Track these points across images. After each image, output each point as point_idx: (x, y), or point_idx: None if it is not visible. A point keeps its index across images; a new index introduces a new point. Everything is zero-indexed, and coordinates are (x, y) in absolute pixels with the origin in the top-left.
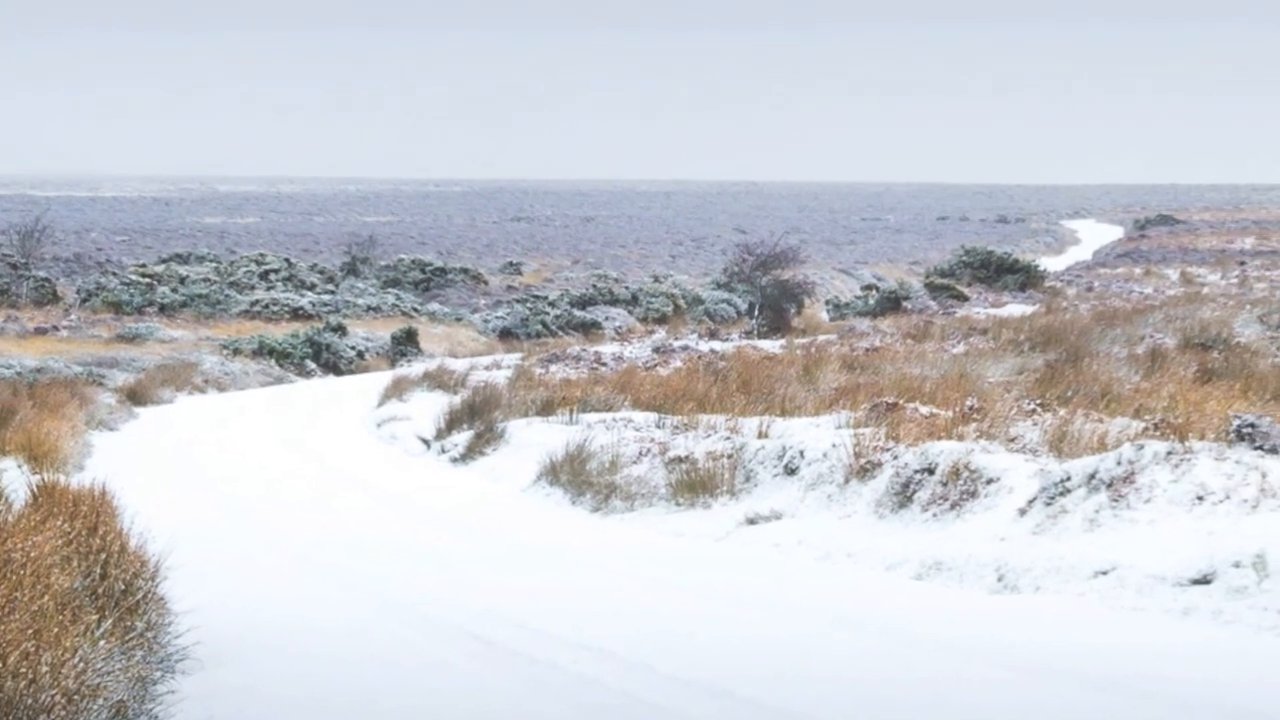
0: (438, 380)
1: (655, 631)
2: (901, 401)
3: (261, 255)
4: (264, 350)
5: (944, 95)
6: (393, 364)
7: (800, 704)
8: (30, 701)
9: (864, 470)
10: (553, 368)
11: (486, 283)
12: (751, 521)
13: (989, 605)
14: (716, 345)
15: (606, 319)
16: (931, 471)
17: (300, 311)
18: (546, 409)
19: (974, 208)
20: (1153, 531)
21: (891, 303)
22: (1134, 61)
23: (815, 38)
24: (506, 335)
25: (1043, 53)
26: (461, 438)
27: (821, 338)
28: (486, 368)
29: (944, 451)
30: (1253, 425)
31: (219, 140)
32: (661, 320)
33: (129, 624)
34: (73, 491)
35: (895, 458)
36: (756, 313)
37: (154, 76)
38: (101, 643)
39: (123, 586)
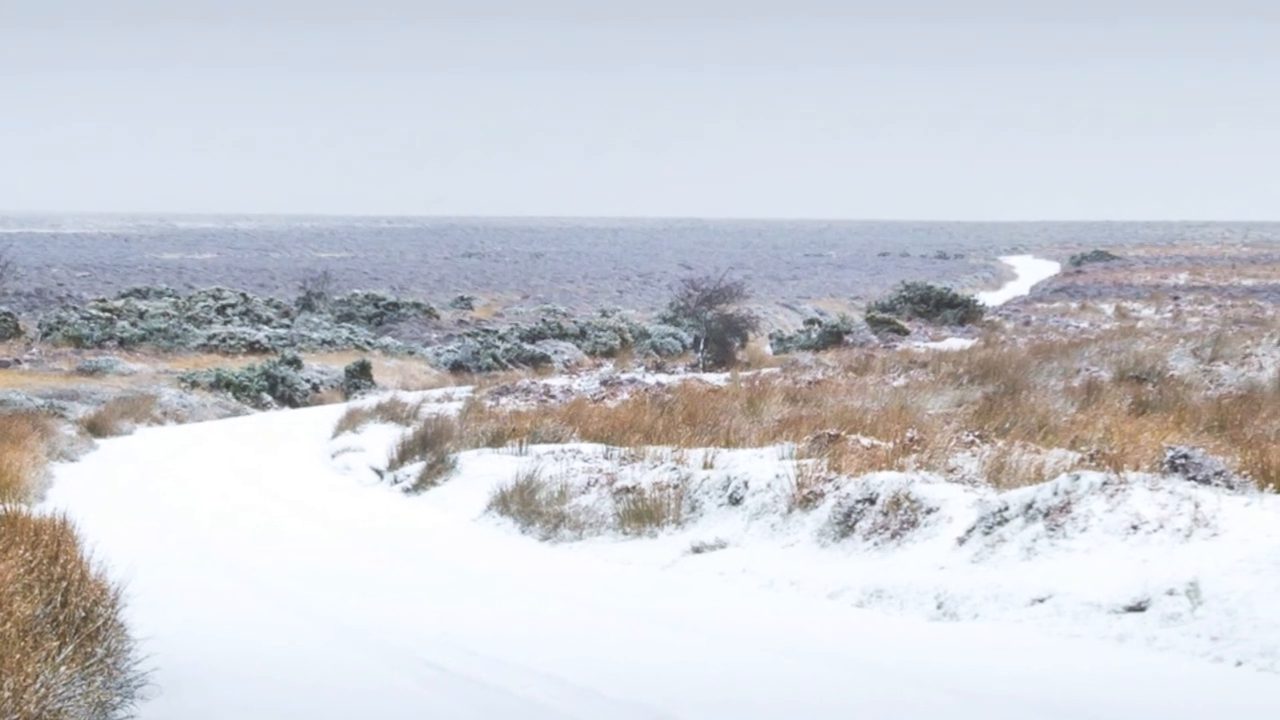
0: (391, 412)
1: (603, 658)
2: (843, 433)
3: (219, 290)
4: (221, 383)
5: (884, 134)
6: (347, 396)
7: None
8: None
9: (807, 500)
10: (503, 400)
11: (438, 317)
12: (697, 550)
13: (929, 632)
14: (663, 378)
15: (555, 353)
16: (873, 501)
17: (256, 345)
18: (497, 440)
19: (914, 244)
20: (1089, 560)
21: (833, 337)
22: (1069, 101)
23: (758, 78)
24: (458, 368)
25: (980, 93)
26: (414, 468)
27: (765, 371)
28: (438, 400)
29: (885, 482)
30: (1186, 456)
31: (177, 178)
32: (609, 354)
33: (89, 650)
34: (34, 521)
35: (837, 488)
36: (702, 346)
37: (113, 116)
38: (63, 669)
39: (83, 614)
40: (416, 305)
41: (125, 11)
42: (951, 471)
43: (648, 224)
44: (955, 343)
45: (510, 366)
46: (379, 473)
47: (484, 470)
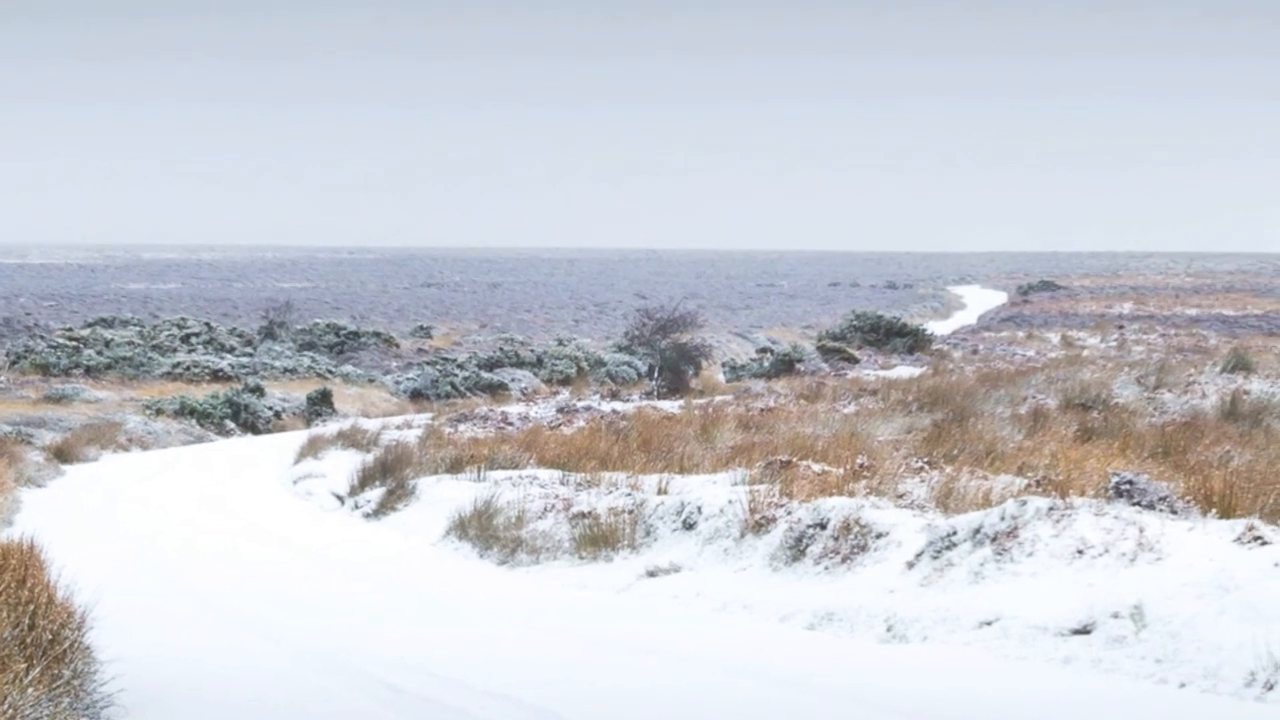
0: (351, 439)
1: (560, 680)
2: (795, 459)
3: (183, 319)
4: (185, 410)
5: (835, 167)
6: (308, 424)
7: None
8: None
9: (759, 525)
10: (461, 427)
11: (398, 346)
12: (652, 574)
13: (879, 654)
14: (618, 406)
15: (513, 380)
16: (824, 526)
17: (220, 373)
18: (455, 467)
19: (864, 274)
20: (1035, 584)
21: (785, 365)
22: (1016, 135)
23: (711, 112)
24: (417, 396)
25: (929, 126)
26: (374, 494)
27: (718, 398)
28: (398, 427)
29: (835, 507)
30: (1130, 482)
31: (142, 210)
32: (565, 382)
33: (56, 672)
34: (2, 545)
35: (789, 513)
36: (656, 374)
37: (80, 149)
38: (30, 690)
39: (50, 636)
40: (377, 334)
41: (90, 46)
42: (901, 497)
43: (603, 254)
44: (904, 371)
45: (469, 394)
46: (340, 498)
47: (443, 496)
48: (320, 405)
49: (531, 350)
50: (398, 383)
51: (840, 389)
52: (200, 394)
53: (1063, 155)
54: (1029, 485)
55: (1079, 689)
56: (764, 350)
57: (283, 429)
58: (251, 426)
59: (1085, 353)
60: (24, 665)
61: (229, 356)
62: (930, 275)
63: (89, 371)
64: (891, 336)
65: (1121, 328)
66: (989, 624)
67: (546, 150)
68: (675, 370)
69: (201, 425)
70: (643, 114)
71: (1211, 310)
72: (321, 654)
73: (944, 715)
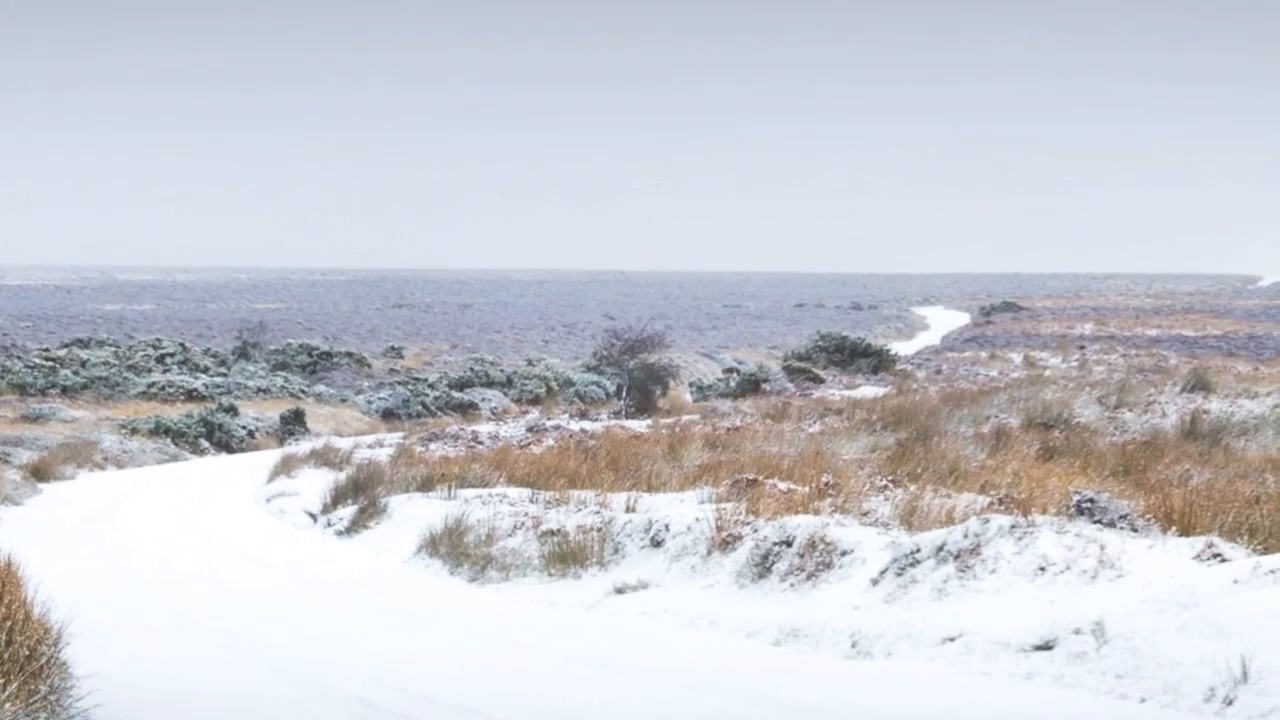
0: (324, 458)
1: (530, 695)
2: (761, 478)
3: (158, 340)
4: (160, 429)
5: (801, 189)
6: (282, 443)
7: None
8: None
9: (726, 543)
10: (432, 446)
11: (370, 366)
12: (620, 591)
13: (844, 670)
14: (587, 425)
15: (483, 400)
16: (789, 544)
17: (194, 393)
18: (426, 485)
19: (829, 295)
20: (998, 600)
21: (751, 385)
22: (980, 158)
23: (678, 134)
24: (389, 415)
25: (893, 149)
26: (347, 512)
27: (685, 418)
28: (370, 446)
29: (801, 525)
30: (1092, 500)
31: (117, 232)
32: (535, 401)
33: (33, 688)
34: None
35: (755, 531)
36: (624, 394)
37: (55, 171)
38: (7, 705)
39: (27, 652)
40: (349, 354)
41: (63, 69)
42: (865, 515)
43: (572, 276)
44: (869, 390)
45: (439, 414)
46: (313, 516)
47: (414, 514)
48: (293, 424)
49: (501, 370)
50: (370, 402)
51: (805, 408)
52: (175, 413)
53: (1025, 178)
54: (992, 503)
55: (1041, 704)
56: (730, 370)
57: (256, 448)
58: (225, 445)
59: (1047, 373)
60: (1, 680)
61: (203, 376)
62: (894, 296)
63: (65, 391)
64: (856, 357)
65: (1083, 348)
66: (952, 640)
67: (516, 173)
68: (643, 390)
69: (176, 444)
70: (611, 137)
71: (1171, 331)
72: (295, 669)
73: None
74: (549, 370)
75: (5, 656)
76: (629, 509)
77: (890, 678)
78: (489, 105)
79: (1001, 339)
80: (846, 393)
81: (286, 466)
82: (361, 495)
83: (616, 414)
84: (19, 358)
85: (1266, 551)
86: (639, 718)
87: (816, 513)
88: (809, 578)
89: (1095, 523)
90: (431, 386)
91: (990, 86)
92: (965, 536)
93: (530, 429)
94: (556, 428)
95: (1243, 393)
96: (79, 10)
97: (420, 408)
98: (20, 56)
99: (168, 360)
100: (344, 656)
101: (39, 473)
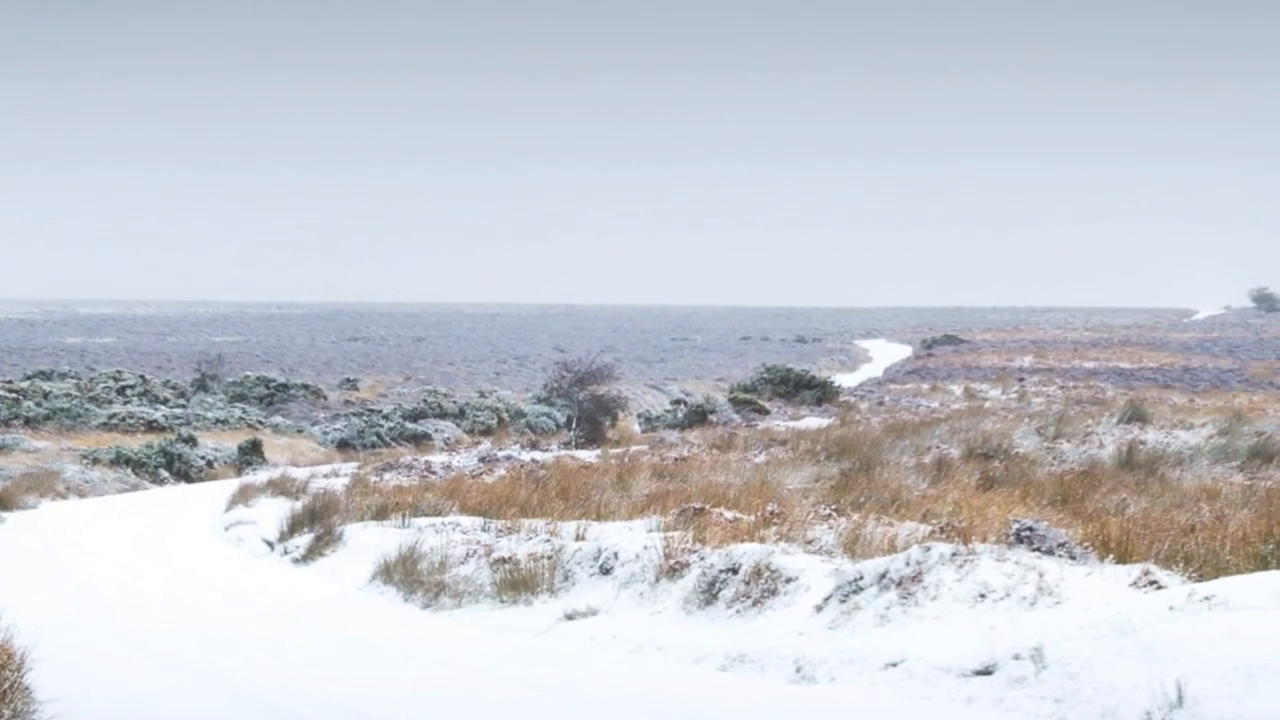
0: (281, 487)
1: (483, 719)
2: (708, 507)
3: (119, 372)
4: (121, 460)
5: (746, 224)
6: (240, 472)
7: None
8: None
9: (673, 570)
10: (387, 476)
11: (326, 398)
12: (570, 617)
13: (788, 695)
14: (537, 455)
15: (436, 431)
16: (735, 571)
17: (154, 424)
18: (381, 514)
19: (774, 328)
20: (939, 626)
21: (699, 416)
22: (920, 194)
23: (627, 170)
24: (344, 446)
25: (837, 185)
26: (303, 540)
27: (634, 448)
28: (326, 476)
29: (747, 553)
30: (1031, 529)
31: (79, 266)
32: (487, 432)
33: None
34: None
35: (702, 559)
36: (574, 425)
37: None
38: None
39: None
40: (305, 386)
41: (22, 106)
42: (810, 543)
43: (523, 309)
44: (813, 421)
45: (394, 444)
46: (270, 544)
47: (369, 542)
48: (251, 455)
49: (454, 402)
50: (325, 433)
51: (751, 439)
52: (135, 444)
53: (965, 213)
54: (933, 532)
55: None
56: (678, 402)
57: (215, 478)
58: (185, 475)
59: (987, 404)
60: None
61: (163, 408)
62: (838, 329)
63: (28, 422)
64: (801, 388)
65: (1022, 380)
66: (895, 665)
67: (468, 208)
68: (593, 421)
69: (137, 474)
70: (561, 173)
71: (1108, 363)
72: (252, 694)
73: None
74: (500, 402)
75: None
76: (579, 537)
77: (834, 702)
78: (441, 141)
79: (943, 371)
80: (791, 424)
81: (244, 496)
82: (317, 524)
83: (567, 444)
84: None
85: (1201, 579)
86: None
87: (762, 541)
88: (755, 604)
89: (1034, 551)
90: (386, 418)
91: (929, 125)
92: (907, 564)
93: (482, 459)
94: (508, 458)
95: (1178, 424)
96: (36, 47)
97: (375, 438)
98: None
99: (128, 392)
100: (300, 681)
101: (2, 502)
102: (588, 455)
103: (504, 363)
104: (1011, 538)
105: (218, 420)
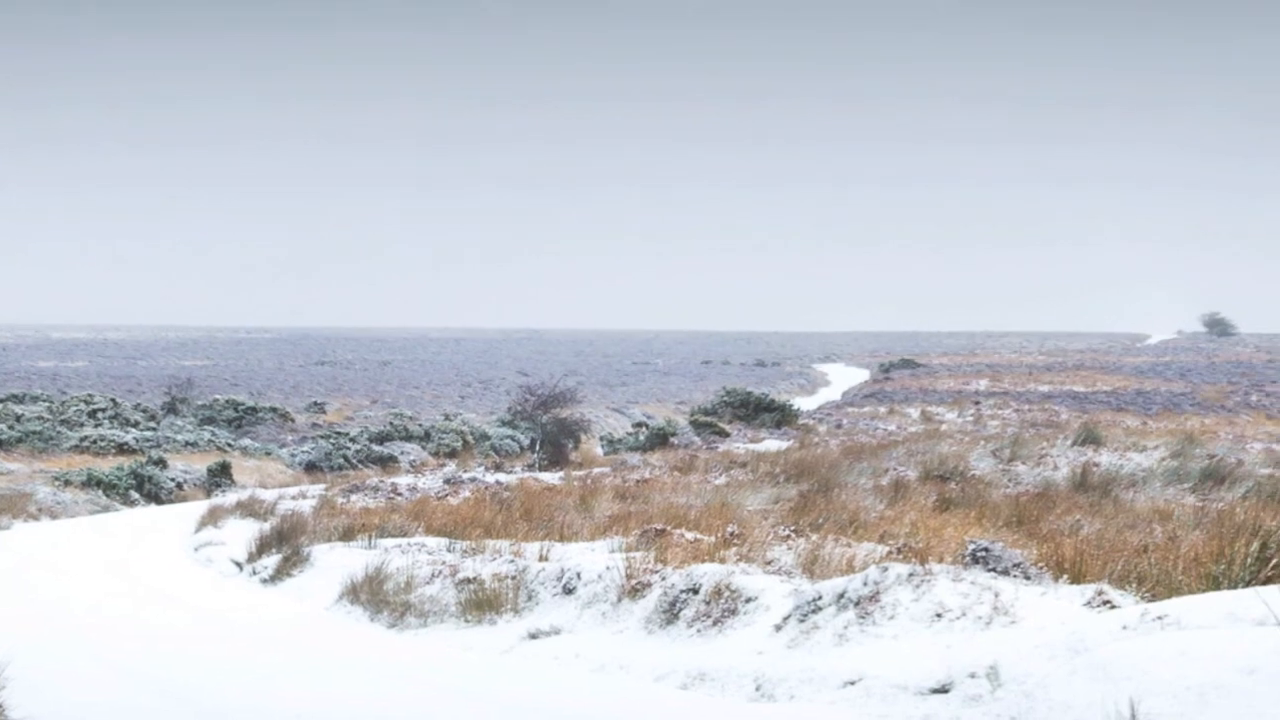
0: (249, 509)
1: None
2: (669, 528)
3: (90, 396)
4: (92, 482)
5: (707, 250)
6: (209, 494)
7: None
8: None
9: (635, 590)
10: (354, 498)
11: (293, 420)
12: (534, 636)
13: (748, 712)
14: (502, 477)
15: (402, 453)
16: (696, 591)
17: (125, 446)
18: (348, 535)
19: (735, 352)
20: (896, 645)
21: (660, 439)
22: (877, 220)
23: (589, 196)
24: (312, 468)
25: (795, 211)
26: (271, 561)
27: (597, 470)
28: (293, 497)
29: (707, 573)
30: (986, 549)
31: (51, 291)
32: (452, 454)
33: None
34: None
35: (663, 579)
36: (538, 447)
37: None
38: None
39: None
40: (273, 409)
41: None
42: (769, 563)
43: (488, 334)
44: (773, 444)
45: (360, 466)
46: (238, 565)
47: (336, 562)
48: (220, 477)
49: (420, 425)
50: (293, 455)
51: (712, 461)
52: (107, 466)
53: (922, 239)
54: (890, 552)
55: None
56: (640, 425)
57: (184, 499)
58: (155, 497)
59: (944, 427)
60: None
61: (134, 431)
62: (797, 354)
63: (0, 445)
64: (760, 412)
65: (978, 403)
66: (853, 683)
67: (432, 234)
68: (556, 444)
69: (108, 496)
70: (523, 199)
71: (1063, 387)
72: (220, 712)
73: None
74: (465, 425)
75: None
76: (542, 558)
77: (792, 719)
78: (407, 169)
79: (900, 395)
80: (751, 446)
81: (213, 517)
82: (285, 545)
83: (530, 467)
84: None
85: (1154, 598)
86: None
87: (722, 561)
88: (715, 624)
89: (990, 571)
90: (352, 440)
91: (885, 152)
92: (865, 584)
93: (447, 481)
94: (473, 480)
95: (1131, 446)
96: (5, 73)
97: (342, 461)
98: None
99: (100, 415)
100: (267, 700)
101: None
102: (551, 477)
103: (469, 386)
104: (968, 558)
105: (187, 443)
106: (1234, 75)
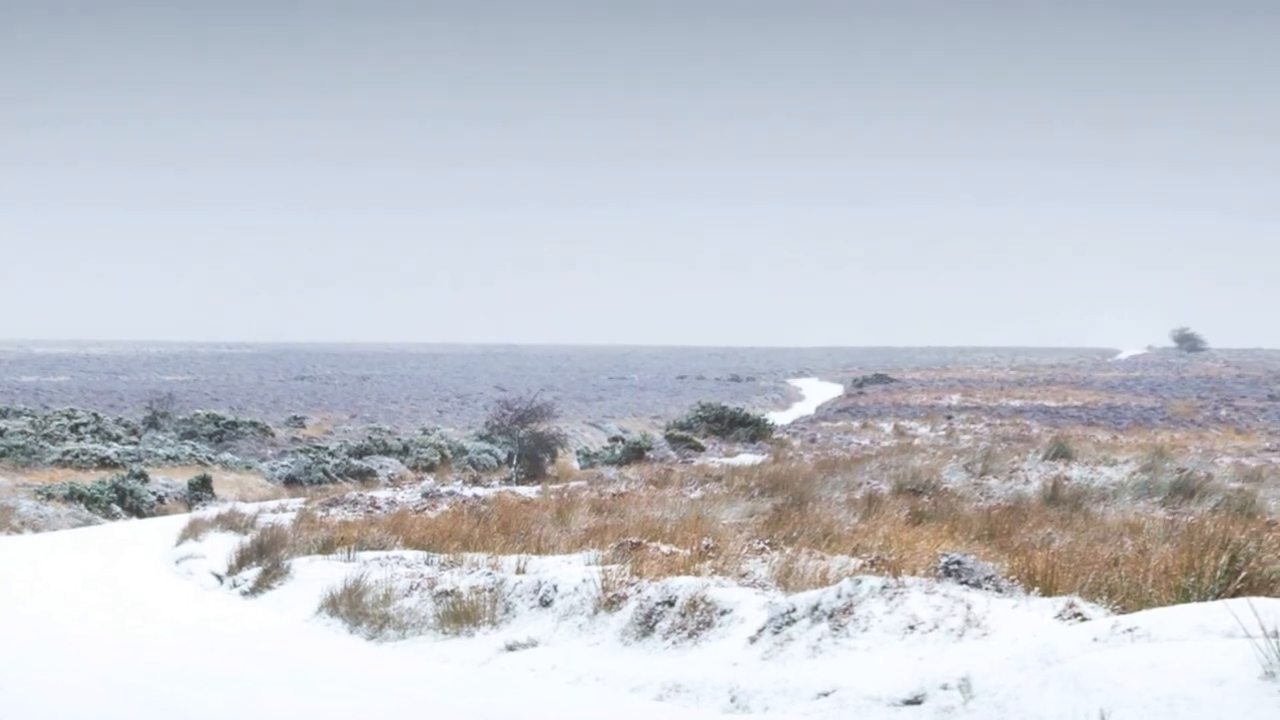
0: (230, 522)
1: None
2: (645, 541)
3: (72, 410)
4: (75, 495)
5: (682, 266)
6: (190, 508)
7: None
8: None
9: (611, 602)
10: (333, 511)
11: (273, 435)
12: (511, 649)
13: None
14: (479, 491)
15: (381, 467)
16: (672, 604)
17: (107, 460)
18: (327, 548)
19: (710, 368)
20: (869, 657)
21: (636, 453)
22: (851, 237)
23: (566, 214)
24: (291, 482)
25: (770, 228)
26: (251, 573)
27: (573, 484)
28: (273, 511)
29: (683, 586)
30: (959, 562)
31: (34, 307)
32: (430, 468)
33: None
34: None
35: (639, 591)
36: (515, 461)
37: None
38: None
39: None
40: (253, 424)
41: None
42: (744, 576)
43: (466, 349)
44: (747, 458)
45: (339, 480)
46: (219, 577)
47: (315, 575)
48: (201, 490)
49: (398, 439)
50: (273, 469)
51: (687, 475)
52: (89, 480)
53: (894, 255)
54: (864, 565)
55: None
56: (616, 439)
57: (166, 513)
58: (136, 510)
59: (916, 441)
60: None
61: (115, 445)
62: (771, 369)
63: None
64: (735, 426)
65: (950, 418)
66: (826, 695)
67: (411, 251)
68: (533, 458)
69: (90, 509)
70: (501, 216)
71: (1034, 401)
72: None
73: None
74: (443, 439)
75: None
76: (519, 570)
77: None
78: (384, 186)
79: (873, 409)
80: (726, 460)
81: (194, 530)
82: (265, 558)
83: (508, 480)
84: None
85: (1124, 611)
86: None
87: (697, 574)
88: (690, 636)
89: (962, 584)
90: (332, 454)
91: (857, 170)
92: (839, 597)
93: (426, 495)
94: (450, 494)
95: (1102, 460)
96: None
97: (321, 474)
98: None
99: (82, 430)
100: (249, 710)
101: None
102: (528, 491)
103: (447, 401)
104: (940, 571)
105: (169, 457)
106: (1200, 94)
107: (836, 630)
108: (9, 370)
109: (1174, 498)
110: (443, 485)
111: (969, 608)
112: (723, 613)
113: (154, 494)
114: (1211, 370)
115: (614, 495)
